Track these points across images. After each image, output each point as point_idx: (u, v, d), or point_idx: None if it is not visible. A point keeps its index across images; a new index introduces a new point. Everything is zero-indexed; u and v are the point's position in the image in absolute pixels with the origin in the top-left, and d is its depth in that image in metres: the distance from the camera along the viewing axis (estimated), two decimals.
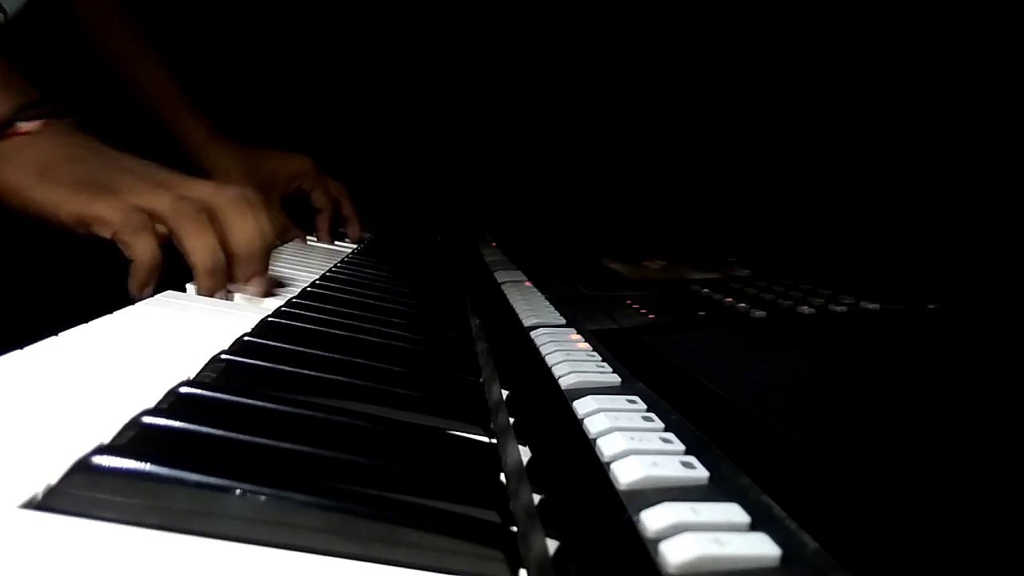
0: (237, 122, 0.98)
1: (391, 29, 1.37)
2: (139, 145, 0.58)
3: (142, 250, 0.50)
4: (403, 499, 0.24)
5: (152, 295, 0.50)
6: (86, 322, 0.39)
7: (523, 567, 0.23)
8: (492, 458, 0.31)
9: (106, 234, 0.51)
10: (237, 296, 0.54)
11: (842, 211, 0.78)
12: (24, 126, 0.53)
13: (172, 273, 0.57)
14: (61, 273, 0.80)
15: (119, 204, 0.51)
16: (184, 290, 0.53)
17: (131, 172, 0.53)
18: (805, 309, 0.50)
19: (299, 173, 1.00)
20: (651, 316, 0.52)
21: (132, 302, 0.45)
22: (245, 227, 0.53)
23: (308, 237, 1.00)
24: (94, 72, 0.90)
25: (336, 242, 1.03)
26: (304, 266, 0.74)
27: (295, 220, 0.99)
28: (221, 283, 0.53)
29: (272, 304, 0.52)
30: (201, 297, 0.51)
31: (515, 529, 0.25)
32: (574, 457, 0.27)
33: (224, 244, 0.52)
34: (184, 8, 1.13)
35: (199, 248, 0.51)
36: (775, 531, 0.20)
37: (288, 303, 0.51)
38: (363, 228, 1.09)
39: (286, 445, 0.27)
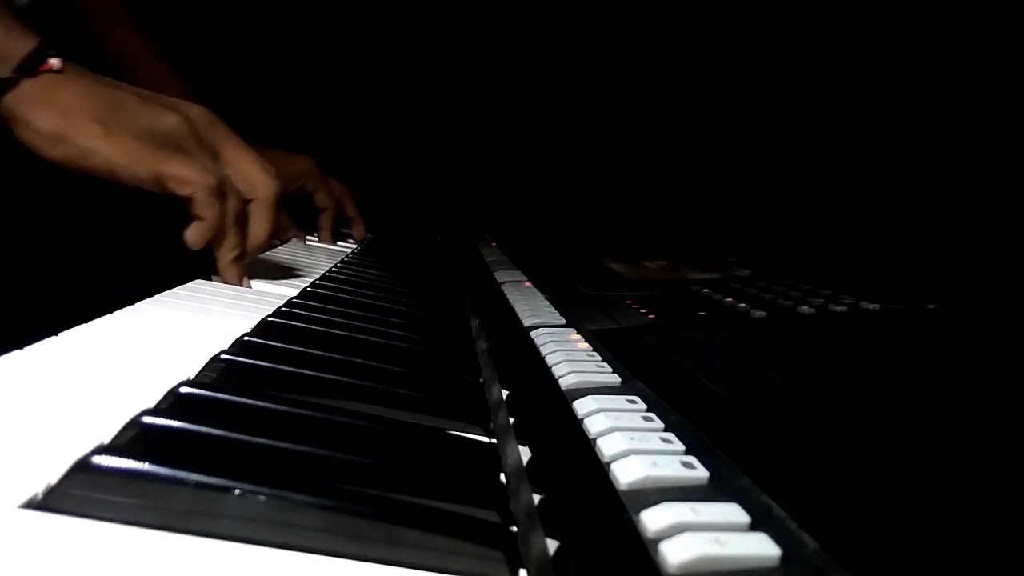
0: (239, 122, 0.98)
1: (392, 30, 1.37)
2: None
3: (216, 213, 0.54)
4: (403, 499, 0.24)
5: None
6: (86, 322, 0.39)
7: (523, 567, 0.23)
8: (492, 458, 0.31)
9: (184, 192, 0.53)
10: (238, 296, 0.54)
11: (842, 211, 0.78)
12: (54, 63, 0.53)
13: (172, 270, 0.57)
14: (61, 273, 0.80)
15: (196, 165, 0.54)
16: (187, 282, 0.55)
17: (186, 126, 0.56)
18: (805, 309, 0.50)
19: (302, 173, 1.01)
20: (651, 316, 0.52)
21: (132, 302, 0.45)
22: (263, 225, 0.59)
23: (308, 237, 1.01)
24: (96, 68, 0.90)
25: (338, 242, 1.04)
26: (305, 266, 0.74)
27: (296, 220, 0.99)
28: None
29: (272, 304, 0.52)
30: (201, 297, 0.51)
31: (515, 529, 0.25)
32: (574, 457, 0.27)
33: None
34: (187, 8, 1.13)
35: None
36: (775, 531, 0.20)
37: (288, 303, 0.51)
38: (365, 228, 1.09)
39: (286, 445, 0.27)
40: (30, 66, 0.53)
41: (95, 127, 0.52)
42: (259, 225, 0.59)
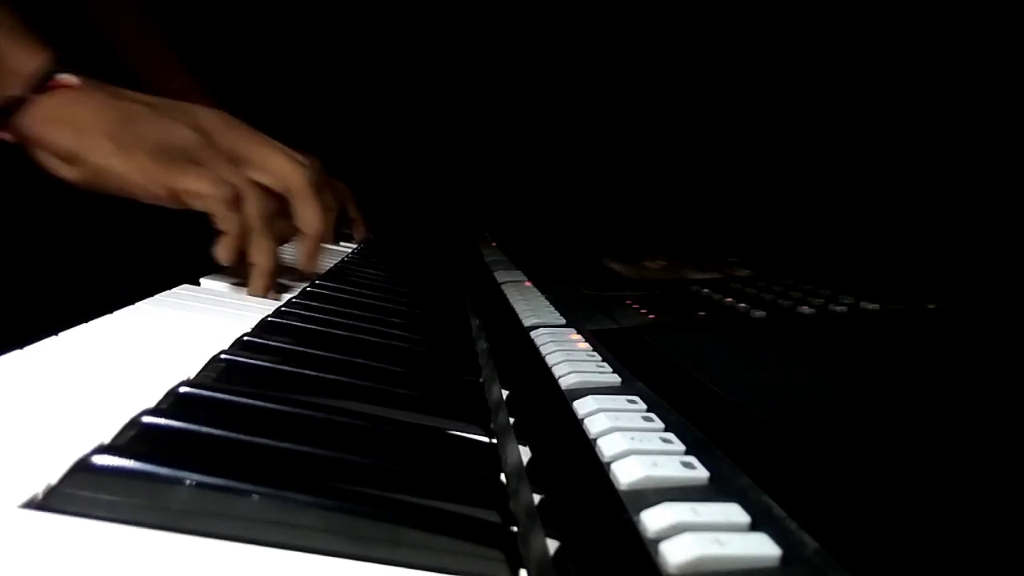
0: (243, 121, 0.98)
1: (392, 30, 1.37)
2: None
3: (235, 224, 0.53)
4: (403, 499, 0.24)
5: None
6: (86, 322, 0.39)
7: (523, 567, 0.23)
8: (492, 458, 0.31)
9: (200, 206, 0.52)
10: (237, 296, 0.54)
11: (842, 211, 0.78)
12: (65, 78, 0.52)
13: (172, 270, 0.57)
14: (61, 273, 0.80)
15: (209, 177, 0.52)
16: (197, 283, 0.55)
17: (203, 137, 0.55)
18: (805, 309, 0.50)
19: None
20: (651, 316, 0.52)
21: (132, 302, 0.45)
22: (310, 212, 0.58)
23: None
24: (104, 68, 0.90)
25: (340, 243, 1.04)
26: None
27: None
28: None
29: (272, 304, 0.52)
30: (201, 297, 0.51)
31: (515, 529, 0.25)
32: (574, 457, 0.27)
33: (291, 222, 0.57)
34: (192, 9, 1.13)
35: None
36: (775, 531, 0.20)
37: (288, 303, 0.51)
38: (366, 229, 1.10)
39: (286, 445, 0.27)
40: (42, 83, 0.52)
41: (108, 145, 0.51)
42: (306, 215, 0.57)
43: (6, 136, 0.52)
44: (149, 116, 0.54)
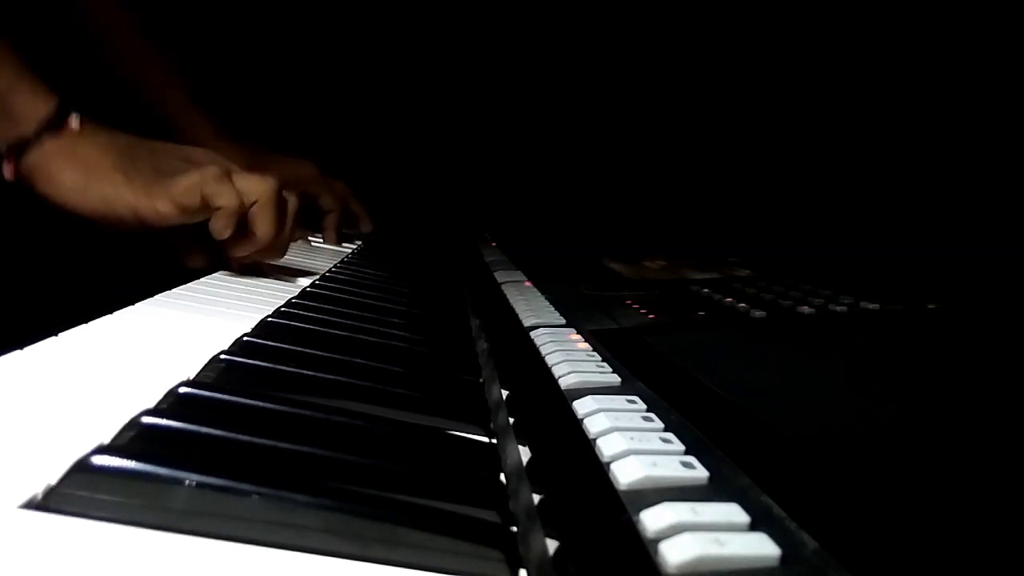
0: (241, 124, 0.98)
1: (392, 31, 1.37)
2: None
3: (229, 196, 0.57)
4: (403, 499, 0.24)
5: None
6: (86, 322, 0.39)
7: (523, 567, 0.23)
8: (492, 458, 0.31)
9: (195, 198, 0.56)
10: (237, 296, 0.54)
11: (842, 211, 0.78)
12: (73, 122, 0.57)
13: (172, 270, 0.57)
14: (61, 273, 0.80)
15: (196, 170, 0.57)
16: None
17: (188, 161, 0.60)
18: (805, 309, 0.49)
19: (303, 179, 1.01)
20: (651, 316, 0.52)
21: (132, 302, 0.45)
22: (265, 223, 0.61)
23: (312, 237, 1.01)
24: (98, 73, 0.90)
25: (342, 243, 1.04)
26: (307, 266, 0.74)
27: (300, 222, 0.99)
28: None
29: (272, 304, 0.52)
30: (201, 297, 0.51)
31: (515, 529, 0.25)
32: (574, 457, 0.27)
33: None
34: (188, 11, 1.13)
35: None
36: (775, 531, 0.20)
37: (288, 303, 0.51)
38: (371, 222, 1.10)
39: (286, 445, 0.27)
40: (55, 125, 0.56)
41: (116, 175, 0.56)
42: (261, 224, 0.61)
43: (7, 172, 0.56)
44: (146, 153, 0.59)
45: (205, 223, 0.58)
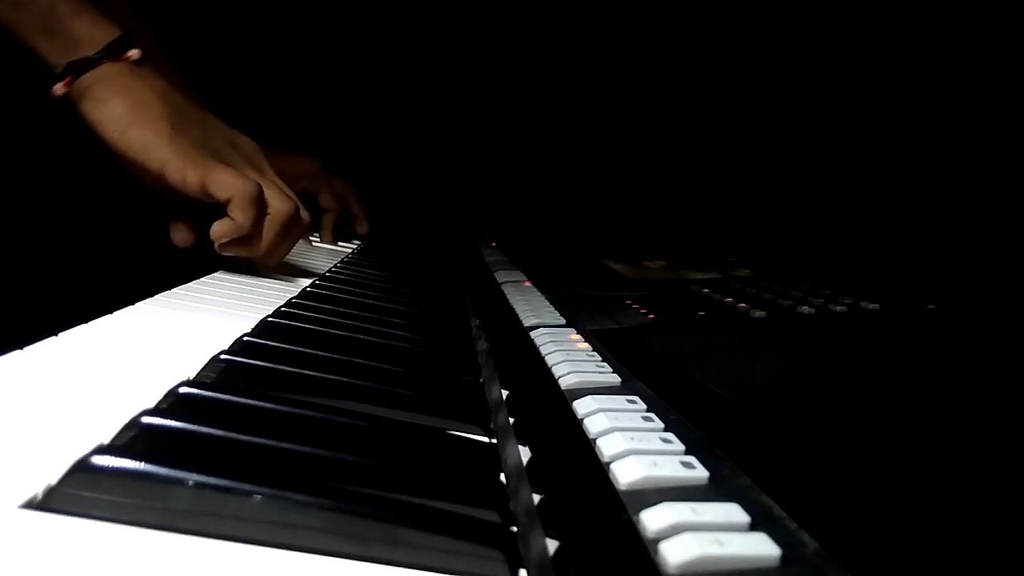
0: (241, 123, 0.98)
1: (393, 30, 1.37)
2: None
3: (248, 218, 0.57)
4: (403, 499, 0.24)
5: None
6: (86, 322, 0.39)
7: (523, 567, 0.23)
8: (492, 458, 0.31)
9: (224, 195, 0.56)
10: (237, 296, 0.54)
11: (842, 211, 0.78)
12: (133, 52, 0.57)
13: (172, 270, 0.57)
14: (61, 273, 0.80)
15: (240, 174, 0.57)
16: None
17: (236, 147, 0.62)
18: (805, 309, 0.50)
19: (305, 174, 1.01)
20: (651, 316, 0.52)
21: (132, 302, 0.45)
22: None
23: (312, 237, 1.01)
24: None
25: (340, 242, 1.04)
26: (306, 266, 0.74)
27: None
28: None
29: (272, 304, 0.52)
30: (201, 297, 0.51)
31: (515, 529, 0.25)
32: (574, 457, 0.27)
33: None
34: (189, 8, 1.13)
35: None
36: (775, 531, 0.20)
37: (288, 303, 0.51)
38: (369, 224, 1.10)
39: (286, 445, 0.27)
40: (117, 50, 0.56)
41: (163, 124, 0.55)
42: (268, 237, 0.61)
43: (63, 90, 0.56)
44: (196, 116, 0.59)
45: (210, 207, 0.58)
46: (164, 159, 0.55)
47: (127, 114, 0.55)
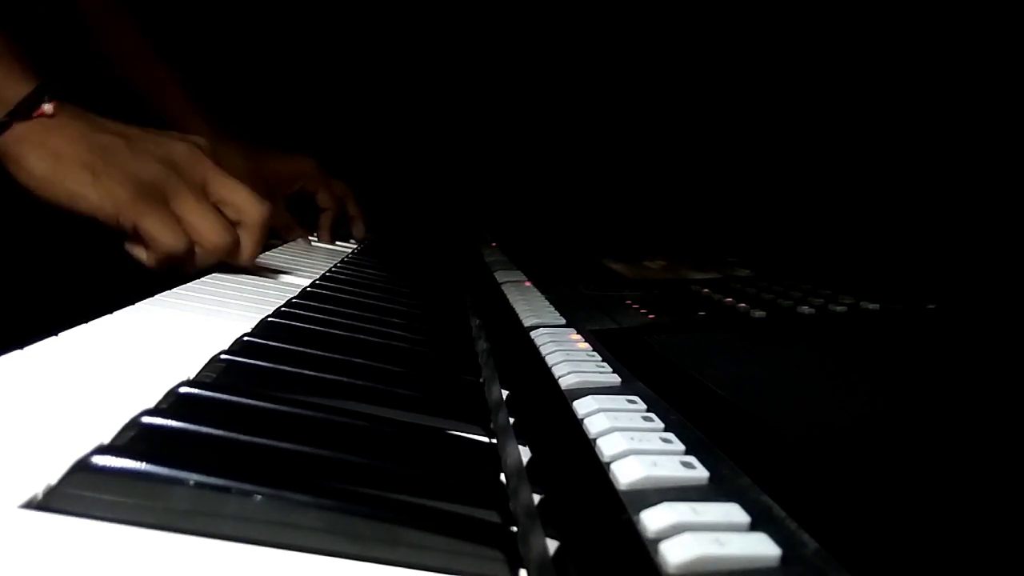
0: (240, 123, 0.98)
1: (393, 30, 1.37)
2: None
3: (156, 266, 0.57)
4: (403, 499, 0.24)
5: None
6: (86, 322, 0.39)
7: (523, 567, 0.23)
8: (492, 458, 0.31)
9: (150, 248, 0.56)
10: (238, 296, 0.54)
11: (842, 211, 0.78)
12: (46, 108, 0.55)
13: (172, 270, 0.57)
14: (61, 273, 0.80)
15: (169, 226, 0.56)
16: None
17: (172, 170, 0.58)
18: (805, 309, 0.50)
19: (302, 174, 1.01)
20: (651, 316, 0.52)
21: (132, 302, 0.45)
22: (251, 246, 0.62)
23: (311, 236, 1.01)
24: (94, 69, 0.90)
25: (338, 242, 1.04)
26: (306, 266, 0.74)
27: (299, 220, 0.99)
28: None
29: (273, 304, 0.52)
30: (201, 297, 0.51)
31: (515, 529, 0.25)
32: (574, 457, 0.27)
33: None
34: (187, 8, 1.13)
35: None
36: (775, 531, 0.20)
37: (288, 303, 0.51)
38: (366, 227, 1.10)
39: (286, 445, 0.27)
40: (25, 110, 0.55)
41: (84, 174, 0.55)
42: (247, 247, 0.61)
43: None
44: (123, 149, 0.57)
45: None
46: (93, 207, 0.55)
47: (47, 170, 0.54)
